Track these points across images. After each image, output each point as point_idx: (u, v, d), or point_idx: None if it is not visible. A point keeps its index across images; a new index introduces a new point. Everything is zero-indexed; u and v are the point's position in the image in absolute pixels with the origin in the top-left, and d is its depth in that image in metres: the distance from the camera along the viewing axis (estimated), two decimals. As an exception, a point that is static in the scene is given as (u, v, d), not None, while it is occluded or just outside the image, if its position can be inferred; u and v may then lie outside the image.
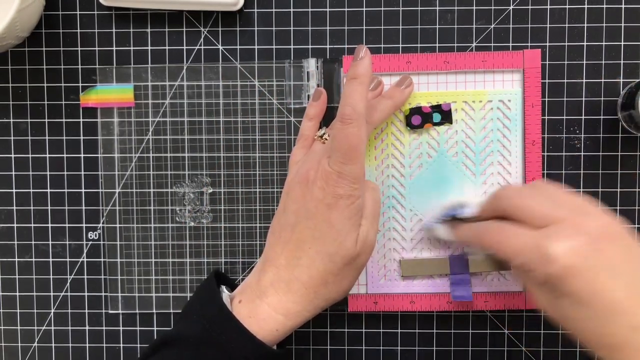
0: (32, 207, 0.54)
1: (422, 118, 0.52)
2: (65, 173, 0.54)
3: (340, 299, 0.45)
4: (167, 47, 0.53)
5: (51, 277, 0.55)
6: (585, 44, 0.52)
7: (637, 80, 0.51)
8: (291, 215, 0.44)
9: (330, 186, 0.42)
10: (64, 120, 0.54)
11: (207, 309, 0.44)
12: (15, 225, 0.55)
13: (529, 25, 0.52)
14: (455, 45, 0.52)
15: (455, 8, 0.52)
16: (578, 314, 0.38)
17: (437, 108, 0.52)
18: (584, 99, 0.52)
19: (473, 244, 0.47)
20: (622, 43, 0.52)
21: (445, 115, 0.52)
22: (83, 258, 0.54)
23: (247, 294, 0.44)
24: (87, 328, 0.55)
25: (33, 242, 0.55)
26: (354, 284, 0.46)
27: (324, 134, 0.49)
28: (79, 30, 0.53)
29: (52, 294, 0.55)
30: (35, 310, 0.55)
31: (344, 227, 0.42)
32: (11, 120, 0.54)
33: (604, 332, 0.38)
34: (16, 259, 0.55)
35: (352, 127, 0.42)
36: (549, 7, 0.52)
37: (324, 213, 0.42)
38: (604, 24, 0.52)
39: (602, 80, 0.52)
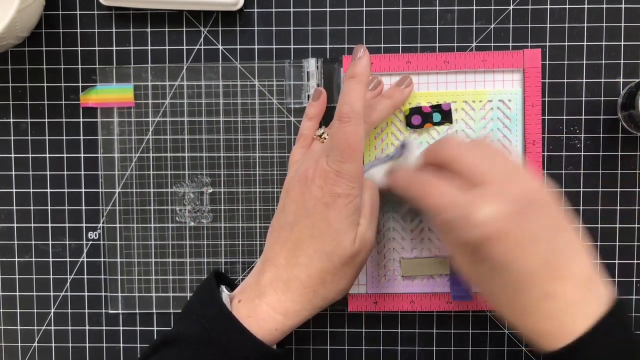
0: (32, 207, 0.54)
1: (422, 118, 0.52)
2: (65, 173, 0.54)
3: (340, 298, 0.45)
4: (167, 47, 0.53)
5: (51, 277, 0.55)
6: (585, 44, 0.52)
7: (637, 80, 0.51)
8: (290, 215, 0.44)
9: (329, 185, 0.42)
10: (64, 120, 0.54)
11: (207, 308, 0.44)
12: (15, 225, 0.55)
13: (529, 25, 0.52)
14: (455, 45, 0.52)
15: (455, 8, 0.52)
16: (494, 280, 0.39)
17: (437, 108, 0.52)
18: (584, 99, 0.52)
19: (402, 191, 0.45)
20: (622, 43, 0.52)
21: (445, 115, 0.52)
22: (83, 258, 0.54)
23: (247, 294, 0.44)
24: (87, 328, 0.55)
25: (33, 242, 0.55)
26: (353, 283, 0.46)
27: (322, 133, 0.49)
28: (79, 30, 0.53)
29: (52, 293, 0.55)
30: (35, 310, 0.55)
31: (342, 225, 0.42)
32: (11, 120, 0.54)
33: (517, 298, 0.38)
34: (16, 259, 0.55)
35: (350, 126, 0.42)
36: (549, 7, 0.52)
37: (322, 212, 0.42)
38: (604, 24, 0.52)
39: (602, 80, 0.52)
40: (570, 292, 0.37)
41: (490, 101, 0.52)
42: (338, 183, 0.42)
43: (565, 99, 0.52)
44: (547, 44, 0.52)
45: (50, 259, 0.55)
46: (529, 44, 0.52)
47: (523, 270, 0.37)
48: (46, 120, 0.54)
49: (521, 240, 0.37)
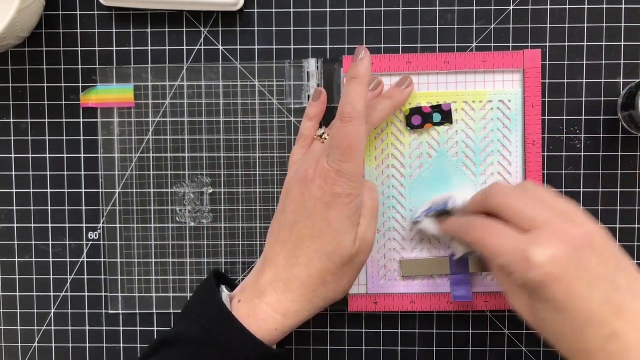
0: (32, 207, 0.54)
1: (422, 118, 0.52)
2: (65, 173, 0.54)
3: (340, 298, 0.45)
4: (167, 47, 0.53)
5: (51, 277, 0.55)
6: (585, 44, 0.52)
7: (637, 80, 0.51)
8: (290, 215, 0.44)
9: (329, 184, 0.42)
10: (64, 120, 0.54)
11: (207, 308, 0.44)
12: (15, 225, 0.55)
13: (529, 25, 0.52)
14: (455, 45, 0.52)
15: (455, 8, 0.52)
16: (554, 320, 0.39)
17: (437, 108, 0.52)
18: (584, 99, 0.52)
19: (458, 237, 0.47)
20: (622, 43, 0.52)
21: (445, 115, 0.52)
22: (83, 258, 0.54)
23: (246, 294, 0.44)
24: (87, 328, 0.55)
25: (33, 242, 0.55)
26: (353, 283, 0.46)
27: (323, 133, 0.49)
28: (79, 30, 0.53)
29: (52, 294, 0.55)
30: (35, 310, 0.55)
31: (342, 225, 0.42)
32: (11, 120, 0.54)
33: (578, 338, 0.38)
34: (16, 259, 0.55)
35: (351, 125, 0.42)
36: (549, 7, 0.52)
37: (322, 212, 0.42)
38: (604, 24, 0.52)
39: (602, 80, 0.52)
40: (634, 331, 0.37)
41: (490, 101, 0.52)
42: (338, 182, 0.42)
43: (565, 99, 0.52)
44: (547, 44, 0.52)
45: (50, 259, 0.55)
46: (529, 44, 0.52)
47: (584, 310, 0.37)
48: (46, 120, 0.54)
49: (581, 281, 0.37)
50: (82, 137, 0.54)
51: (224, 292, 0.46)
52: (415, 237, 0.53)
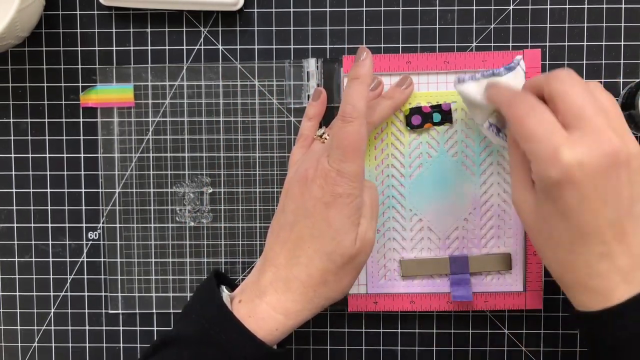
0: (32, 207, 0.54)
1: (422, 118, 0.52)
2: (65, 173, 0.54)
3: (341, 297, 0.45)
4: (167, 47, 0.53)
5: (51, 277, 0.55)
6: (585, 44, 0.52)
7: (637, 80, 0.51)
8: (290, 215, 0.44)
9: (329, 184, 0.42)
10: (64, 120, 0.54)
11: (207, 308, 0.44)
12: (15, 225, 0.55)
13: (529, 25, 0.52)
14: (455, 45, 0.52)
15: (455, 8, 0.52)
16: (555, 225, 0.38)
17: (437, 108, 0.52)
18: (584, 99, 0.52)
19: (500, 108, 0.43)
20: (622, 43, 0.52)
21: (445, 115, 0.52)
22: (83, 258, 0.54)
23: (247, 294, 0.44)
24: (87, 328, 0.55)
25: (33, 242, 0.55)
26: (354, 282, 0.46)
27: (323, 133, 0.49)
28: (79, 30, 0.53)
29: (52, 294, 0.55)
30: (35, 310, 0.55)
31: (343, 225, 0.42)
32: (11, 120, 0.54)
33: (572, 249, 0.38)
34: (16, 259, 0.55)
35: (352, 125, 0.42)
36: (549, 7, 0.52)
37: (322, 212, 0.42)
38: (604, 24, 0.52)
39: (602, 80, 0.52)
40: (625, 258, 0.37)
41: (490, 101, 0.51)
42: (339, 183, 0.42)
43: (565, 99, 0.52)
44: (547, 44, 0.52)
45: (50, 259, 0.55)
46: (529, 44, 0.52)
47: (589, 223, 0.37)
48: (46, 120, 0.54)
49: (599, 194, 0.37)
50: (82, 137, 0.54)
51: (225, 292, 0.46)
52: (415, 237, 0.53)
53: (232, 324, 0.42)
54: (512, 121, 0.40)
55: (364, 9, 0.52)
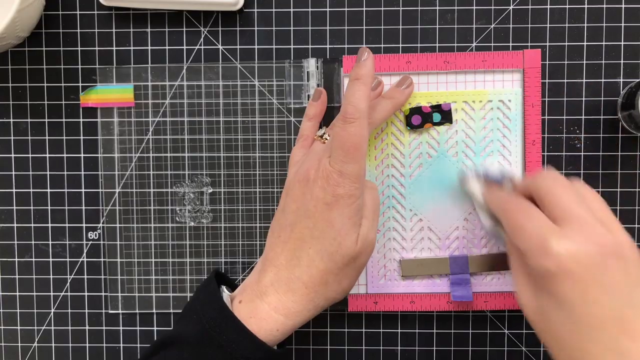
0: (32, 207, 0.54)
1: (422, 118, 0.52)
2: (65, 173, 0.54)
3: (341, 298, 0.45)
4: (167, 47, 0.53)
5: (51, 277, 0.55)
6: (585, 44, 0.52)
7: (637, 80, 0.51)
8: (290, 215, 0.44)
9: (331, 185, 0.42)
10: (64, 120, 0.54)
11: (208, 309, 0.44)
12: (15, 225, 0.55)
13: (529, 25, 0.52)
14: (455, 45, 0.52)
15: (455, 8, 0.52)
16: (557, 318, 0.38)
17: (437, 108, 0.52)
18: (584, 99, 0.52)
19: (494, 210, 0.46)
20: (622, 43, 0.52)
21: (445, 115, 0.52)
22: (83, 258, 0.54)
23: (247, 294, 0.44)
24: (87, 328, 0.55)
25: (33, 242, 0.55)
26: (355, 283, 0.46)
27: (324, 134, 0.49)
28: (79, 30, 0.53)
29: (52, 293, 0.55)
30: (35, 310, 0.55)
31: (344, 226, 0.42)
32: (11, 120, 0.54)
33: (577, 345, 0.37)
34: (16, 259, 0.55)
35: (354, 126, 0.42)
36: (549, 7, 0.52)
37: (323, 212, 0.42)
38: (604, 24, 0.52)
39: (602, 80, 0.52)
40: (638, 352, 0.36)
41: (490, 101, 0.52)
42: (341, 184, 0.42)
43: (565, 99, 0.52)
44: (547, 44, 0.52)
45: (50, 259, 0.55)
46: (529, 44, 0.52)
47: (592, 316, 0.37)
48: (46, 120, 0.54)
49: (597, 285, 0.37)
50: (82, 137, 0.54)
51: (225, 292, 0.46)
52: (416, 237, 0.53)
53: (233, 324, 0.42)
54: (504, 220, 0.43)
55: (364, 9, 0.52)
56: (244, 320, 0.42)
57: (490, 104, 0.52)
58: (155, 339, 0.54)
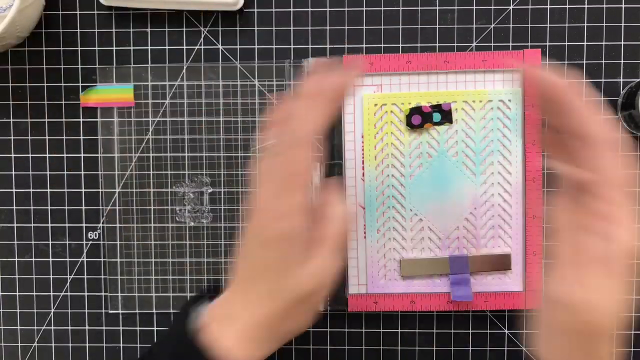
0: (32, 207, 0.54)
1: (422, 118, 0.52)
2: (65, 173, 0.54)
3: (299, 332, 0.40)
4: (167, 47, 0.53)
5: (51, 277, 0.55)
6: (585, 44, 0.52)
7: (637, 80, 0.51)
8: (246, 244, 0.39)
9: (269, 219, 0.37)
10: (64, 120, 0.54)
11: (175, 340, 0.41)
12: (15, 225, 0.55)
13: (529, 25, 0.52)
14: (455, 45, 0.52)
15: (455, 8, 0.52)
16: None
17: (437, 108, 0.52)
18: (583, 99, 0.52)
19: None
20: (622, 43, 0.52)
21: (445, 115, 0.52)
22: (83, 258, 0.54)
23: (217, 317, 0.40)
24: (87, 328, 0.55)
25: (33, 242, 0.55)
26: (313, 317, 0.41)
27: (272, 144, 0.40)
28: (78, 30, 0.53)
29: (52, 293, 0.55)
30: (35, 310, 0.55)
31: (290, 265, 0.38)
32: (11, 120, 0.54)
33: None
34: (16, 259, 0.55)
35: (299, 151, 0.36)
36: (549, 7, 0.52)
37: (267, 248, 0.38)
38: (604, 24, 0.52)
39: (602, 80, 0.52)
40: None
41: (490, 101, 0.52)
42: (279, 218, 0.37)
43: (565, 99, 0.52)
44: (547, 44, 0.52)
45: (50, 259, 0.55)
46: (529, 44, 0.52)
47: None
48: (46, 120, 0.54)
49: None
50: (82, 137, 0.54)
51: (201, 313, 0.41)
52: (416, 237, 0.53)
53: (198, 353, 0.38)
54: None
55: (364, 8, 0.52)
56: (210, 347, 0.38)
57: (491, 104, 0.52)
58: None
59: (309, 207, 0.37)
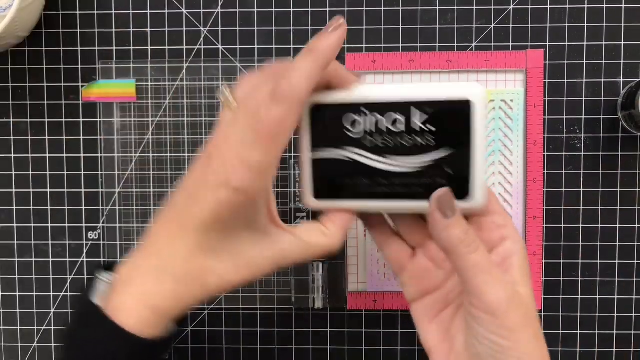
0: (32, 207, 0.54)
1: (422, 118, 0.52)
2: (65, 173, 0.54)
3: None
4: (167, 47, 0.53)
5: (51, 277, 0.55)
6: (585, 43, 0.52)
7: (637, 80, 0.51)
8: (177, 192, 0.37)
9: (228, 172, 0.34)
10: (64, 120, 0.54)
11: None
12: (15, 225, 0.54)
13: (529, 25, 0.52)
14: (455, 45, 0.52)
15: (455, 8, 0.52)
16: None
17: (437, 108, 0.52)
18: (584, 98, 0.52)
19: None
20: (622, 43, 0.52)
21: (445, 115, 0.52)
22: (83, 258, 0.54)
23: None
24: (87, 328, 0.55)
25: (33, 242, 0.54)
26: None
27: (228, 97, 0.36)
28: (78, 30, 0.53)
29: (52, 294, 0.55)
30: (35, 310, 0.55)
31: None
32: (11, 120, 0.54)
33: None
34: (16, 259, 0.55)
35: (280, 109, 0.33)
36: (549, 7, 0.52)
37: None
38: (604, 24, 0.52)
39: (602, 80, 0.52)
40: None
41: (492, 101, 0.52)
42: (237, 172, 0.33)
43: (565, 99, 0.52)
44: (547, 44, 0.52)
45: (50, 259, 0.54)
46: (529, 44, 0.52)
47: None
48: (46, 120, 0.54)
49: None
50: (82, 137, 0.54)
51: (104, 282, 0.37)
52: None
53: (100, 319, 0.34)
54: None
55: (364, 8, 0.53)
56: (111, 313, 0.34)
57: (493, 104, 0.52)
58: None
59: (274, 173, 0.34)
